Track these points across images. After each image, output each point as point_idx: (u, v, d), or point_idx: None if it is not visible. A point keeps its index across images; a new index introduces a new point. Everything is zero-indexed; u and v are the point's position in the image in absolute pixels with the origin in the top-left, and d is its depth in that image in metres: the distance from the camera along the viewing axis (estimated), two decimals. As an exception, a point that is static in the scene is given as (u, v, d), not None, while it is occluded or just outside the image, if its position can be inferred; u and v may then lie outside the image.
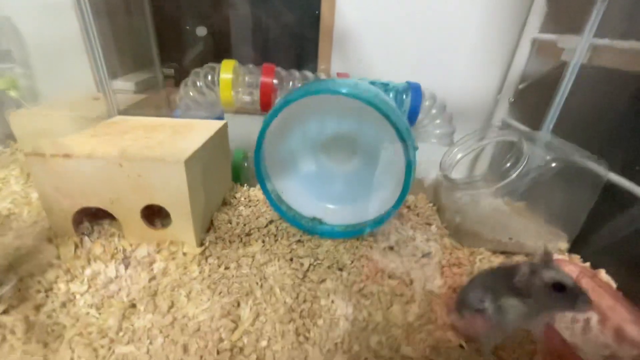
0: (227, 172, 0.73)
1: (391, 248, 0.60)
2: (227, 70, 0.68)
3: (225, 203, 0.69)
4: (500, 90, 0.91)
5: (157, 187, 0.50)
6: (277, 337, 0.42)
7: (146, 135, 0.58)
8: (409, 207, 0.75)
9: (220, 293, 0.47)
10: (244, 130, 0.69)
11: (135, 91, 0.98)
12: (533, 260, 0.39)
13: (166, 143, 0.55)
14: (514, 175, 0.57)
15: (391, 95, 0.73)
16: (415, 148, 0.57)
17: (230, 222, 0.63)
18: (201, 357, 0.39)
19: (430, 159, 0.76)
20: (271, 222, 0.64)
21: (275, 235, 0.61)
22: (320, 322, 0.45)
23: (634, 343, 0.44)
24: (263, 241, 0.59)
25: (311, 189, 0.68)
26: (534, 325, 0.42)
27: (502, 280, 0.40)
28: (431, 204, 0.77)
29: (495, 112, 0.94)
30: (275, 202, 0.62)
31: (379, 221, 0.57)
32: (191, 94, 0.72)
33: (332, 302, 0.48)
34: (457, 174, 0.74)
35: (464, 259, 0.59)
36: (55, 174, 0.50)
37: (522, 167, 0.57)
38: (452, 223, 0.66)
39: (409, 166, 0.52)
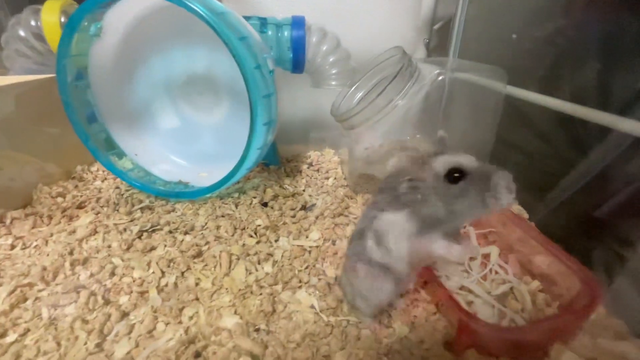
0: (72, 141, 0.59)
1: (265, 204, 0.48)
2: (51, 11, 0.54)
3: (71, 177, 0.55)
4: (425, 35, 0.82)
5: None
6: (38, 326, 0.29)
7: None
8: (310, 164, 0.64)
9: (-14, 278, 0.34)
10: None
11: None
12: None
13: None
14: (400, 94, 0.46)
15: (270, 32, 0.61)
16: (270, 71, 0.46)
17: (62, 195, 0.49)
18: None
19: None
20: (117, 188, 0.51)
21: (116, 204, 0.47)
22: (123, 299, 0.32)
23: (541, 275, 0.34)
24: (98, 212, 0.46)
25: (174, 147, 0.55)
26: (438, 248, 0.26)
27: (384, 198, 0.28)
28: (337, 157, 0.67)
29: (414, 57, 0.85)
30: (113, 164, 0.49)
31: (228, 177, 0.45)
32: (18, 49, 0.57)
33: (153, 272, 0.35)
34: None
35: (354, 208, 0.48)
36: None
37: (410, 84, 0.47)
38: (347, 171, 0.56)
39: (255, 98, 0.40)
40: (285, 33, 0.59)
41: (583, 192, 0.42)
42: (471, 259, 0.38)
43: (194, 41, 0.48)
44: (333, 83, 0.68)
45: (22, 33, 0.56)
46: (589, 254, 0.38)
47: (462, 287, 0.34)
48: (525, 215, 0.45)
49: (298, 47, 0.60)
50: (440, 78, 0.46)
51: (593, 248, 0.39)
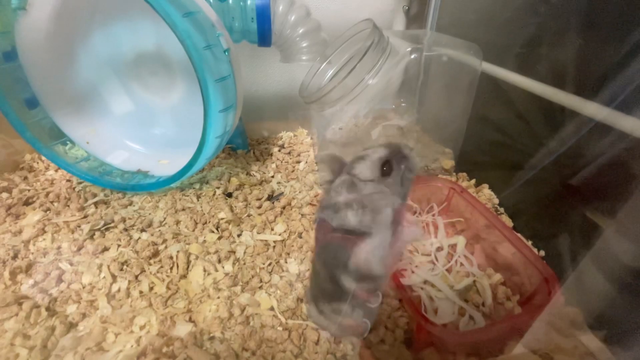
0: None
1: (229, 195, 0.46)
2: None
3: (20, 168, 0.51)
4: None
5: None
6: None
7: None
8: (281, 146, 0.61)
9: None
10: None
11: None
12: None
13: None
14: (371, 73, 0.43)
15: (231, 1, 0.55)
16: (225, 50, 0.41)
17: (7, 190, 0.45)
18: None
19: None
20: (67, 181, 0.47)
21: (67, 199, 0.44)
22: (70, 309, 0.30)
23: (505, 265, 0.34)
24: (47, 209, 0.43)
25: (130, 133, 0.51)
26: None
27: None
28: (310, 138, 0.64)
29: (393, 28, 0.79)
30: (57, 156, 0.45)
31: (185, 168, 0.41)
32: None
33: (103, 277, 0.33)
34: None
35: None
36: None
37: (381, 61, 0.43)
38: (319, 155, 0.53)
39: (206, 83, 0.36)
40: (249, 2, 0.54)
41: (551, 170, 0.42)
42: (438, 249, 0.38)
43: (137, 14, 0.42)
44: (304, 58, 0.63)
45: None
46: (554, 235, 0.38)
47: (425, 282, 0.34)
48: (496, 201, 0.45)
49: (263, 18, 0.54)
50: (413, 56, 0.43)
51: (558, 230, 0.39)
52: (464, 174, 0.51)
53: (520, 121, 0.48)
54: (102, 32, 0.44)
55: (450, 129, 0.51)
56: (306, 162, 0.55)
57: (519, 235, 0.34)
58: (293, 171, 0.54)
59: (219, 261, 0.36)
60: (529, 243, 0.37)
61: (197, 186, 0.47)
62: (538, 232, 0.40)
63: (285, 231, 0.40)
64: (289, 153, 0.59)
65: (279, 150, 0.60)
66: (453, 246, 0.38)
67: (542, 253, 0.37)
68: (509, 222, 0.42)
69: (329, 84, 0.46)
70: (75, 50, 0.45)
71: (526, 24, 0.46)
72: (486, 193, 0.46)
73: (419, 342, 0.28)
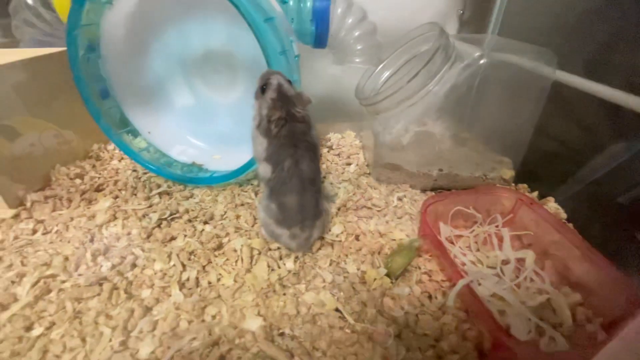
0: (88, 119, 0.57)
1: (285, 193, 0.47)
2: (58, -25, 0.50)
3: (88, 157, 0.54)
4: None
5: None
6: (63, 320, 0.29)
7: None
8: (330, 147, 0.61)
9: (10, 266, 0.34)
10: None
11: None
12: None
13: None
14: (435, 79, 0.42)
15: (291, 2, 0.56)
16: (296, 56, 0.42)
17: (80, 177, 0.49)
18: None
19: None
20: (134, 171, 0.50)
21: (134, 188, 0.46)
22: (145, 293, 0.32)
23: (579, 284, 0.32)
24: (116, 197, 0.45)
25: (189, 126, 0.53)
26: None
27: None
28: (358, 141, 0.64)
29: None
30: (126, 144, 0.47)
31: (249, 164, 0.43)
32: (26, 18, 0.54)
33: (174, 265, 0.34)
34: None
35: (378, 200, 0.46)
36: None
37: (446, 67, 0.42)
38: (372, 158, 0.53)
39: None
40: (308, 3, 0.54)
41: (625, 186, 0.39)
42: (503, 262, 0.36)
43: (211, 13, 0.44)
44: (357, 60, 0.63)
45: (29, 1, 0.53)
46: (626, 256, 0.35)
47: (493, 294, 0.32)
48: (563, 215, 0.42)
49: (322, 20, 0.55)
50: (482, 62, 0.42)
51: (630, 250, 0.36)
52: (524, 185, 0.49)
53: (591, 132, 0.45)
54: (175, 29, 0.46)
55: (511, 138, 0.49)
56: (357, 165, 0.55)
57: (599, 253, 0.32)
58: (343, 173, 0.54)
59: (280, 258, 0.36)
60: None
61: (255, 183, 0.48)
62: (609, 252, 0.38)
63: (342, 232, 0.40)
64: (339, 155, 0.59)
65: (328, 151, 0.60)
66: (519, 260, 0.36)
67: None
68: (579, 239, 0.39)
69: (389, 89, 0.45)
70: (149, 43, 0.47)
71: (598, 29, 0.43)
72: (552, 207, 0.44)
73: (494, 358, 0.27)
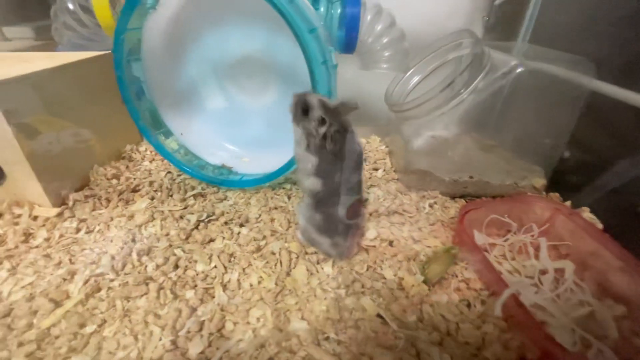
0: (121, 120, 0.58)
1: (316, 197, 0.47)
2: (99, -19, 0.52)
3: (122, 157, 0.56)
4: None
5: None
6: (114, 318, 0.30)
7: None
8: (356, 152, 0.62)
9: (59, 263, 0.35)
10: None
11: (36, 38, 0.83)
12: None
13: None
14: (470, 88, 0.43)
15: (322, 8, 0.57)
16: (334, 65, 0.43)
17: (117, 177, 0.50)
18: (-1, 352, 0.27)
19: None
20: (168, 172, 0.51)
21: (169, 190, 0.47)
22: (189, 294, 0.32)
23: (620, 297, 0.32)
24: (152, 197, 0.46)
25: (220, 129, 0.54)
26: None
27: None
28: (384, 146, 0.64)
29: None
30: (162, 145, 0.48)
31: (284, 168, 0.43)
32: (66, 22, 0.56)
33: (215, 266, 0.35)
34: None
35: (409, 206, 0.46)
36: None
37: (481, 76, 0.43)
38: (400, 164, 0.53)
39: (320, 87, 0.37)
40: (338, 9, 0.55)
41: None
42: (541, 272, 0.36)
43: (251, 20, 0.45)
44: (384, 66, 0.63)
45: (70, 5, 0.55)
46: None
47: (533, 304, 0.32)
48: (600, 226, 0.42)
49: (352, 26, 0.55)
50: (518, 70, 0.42)
51: None
52: (556, 194, 0.48)
53: (627, 142, 0.44)
54: (213, 33, 0.47)
55: (543, 147, 0.49)
56: (384, 170, 0.56)
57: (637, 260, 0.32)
58: (370, 178, 0.54)
59: (318, 262, 0.37)
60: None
61: (287, 187, 0.49)
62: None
63: (376, 238, 0.40)
64: (365, 159, 0.60)
65: (354, 156, 0.60)
66: (557, 271, 0.36)
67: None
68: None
69: (423, 96, 0.46)
70: (186, 48, 0.48)
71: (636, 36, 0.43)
72: (587, 217, 0.43)
73: (540, 369, 0.27)
